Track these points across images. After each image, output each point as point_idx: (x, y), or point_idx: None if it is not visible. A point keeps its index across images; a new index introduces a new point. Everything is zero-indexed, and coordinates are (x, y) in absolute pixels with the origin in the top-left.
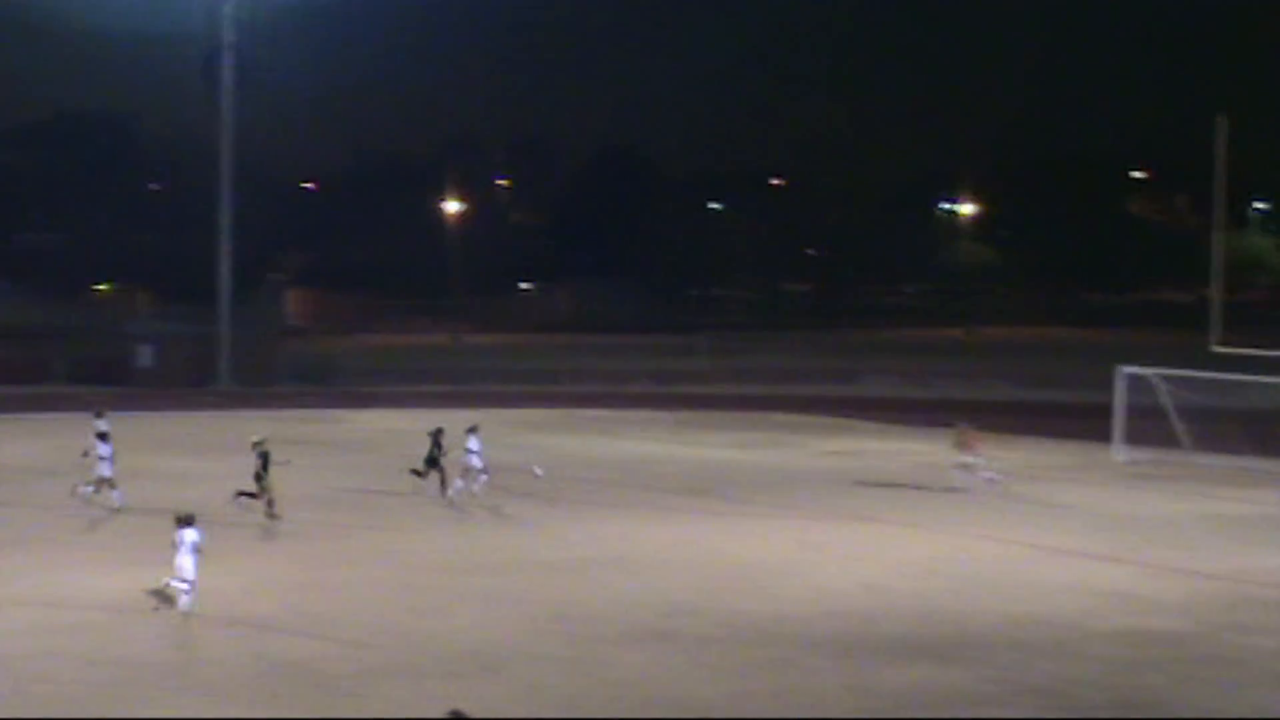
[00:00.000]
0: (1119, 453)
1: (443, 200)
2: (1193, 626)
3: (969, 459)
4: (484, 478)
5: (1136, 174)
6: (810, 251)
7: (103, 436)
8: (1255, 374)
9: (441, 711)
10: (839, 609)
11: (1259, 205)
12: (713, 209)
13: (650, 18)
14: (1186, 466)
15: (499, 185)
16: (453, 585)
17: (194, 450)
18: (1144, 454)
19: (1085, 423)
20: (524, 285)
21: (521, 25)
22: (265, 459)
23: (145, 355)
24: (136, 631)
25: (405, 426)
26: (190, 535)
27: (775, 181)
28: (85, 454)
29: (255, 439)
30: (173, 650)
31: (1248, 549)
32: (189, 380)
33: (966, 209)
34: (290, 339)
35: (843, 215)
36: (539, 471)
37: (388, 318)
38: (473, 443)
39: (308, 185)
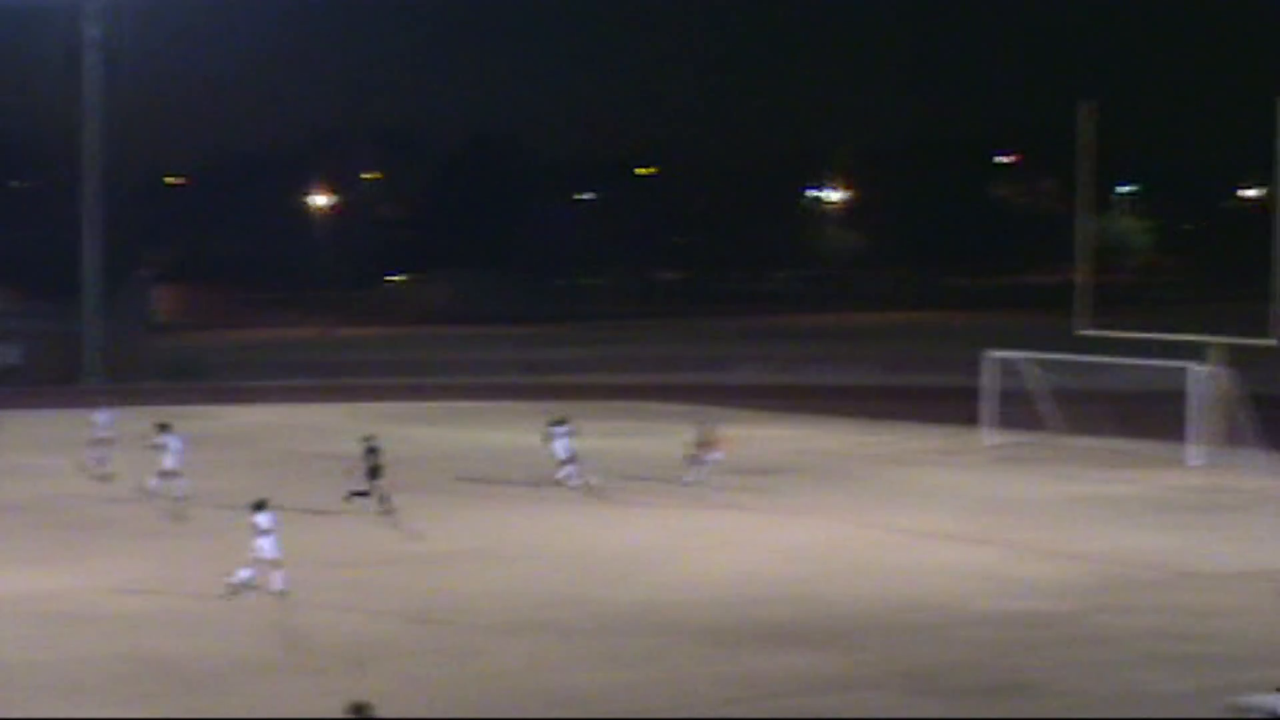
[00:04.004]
0: (987, 436)
1: (311, 193)
2: (1064, 607)
3: (706, 457)
4: (568, 469)
5: (1002, 158)
6: (679, 240)
7: (163, 427)
8: (1120, 356)
9: (320, 706)
10: (712, 597)
11: (1123, 188)
12: (582, 198)
13: (516, 6)
14: (1054, 448)
15: (366, 178)
16: (324, 580)
17: (61, 447)
18: (1012, 437)
19: (953, 406)
20: (393, 277)
21: (386, 16)
22: (376, 455)
23: (10, 353)
24: (1, 632)
25: (277, 421)
26: (264, 519)
27: (643, 170)
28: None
29: (363, 436)
30: (39, 650)
31: (1117, 529)
32: (56, 377)
33: (834, 195)
34: (159, 334)
35: (711, 202)
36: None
37: (258, 312)
38: (560, 434)
39: (174, 180)
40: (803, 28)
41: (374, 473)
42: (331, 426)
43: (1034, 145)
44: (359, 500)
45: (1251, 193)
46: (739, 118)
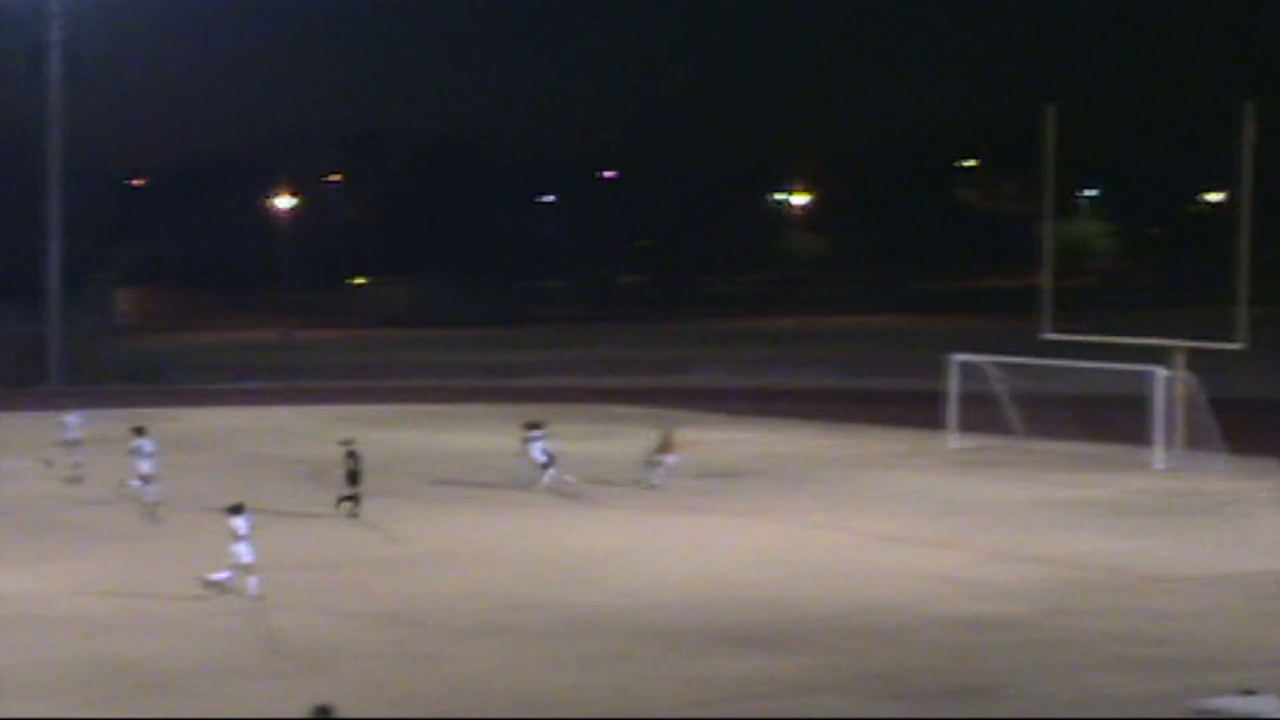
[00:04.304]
0: (951, 439)
1: (273, 195)
2: (1026, 611)
3: (666, 459)
4: (551, 472)
5: (965, 162)
6: (642, 243)
7: (139, 431)
8: (1083, 360)
9: (285, 708)
10: (674, 600)
11: (1087, 192)
12: (544, 201)
13: (480, 11)
14: (1018, 452)
15: (330, 180)
16: (289, 583)
17: (26, 449)
18: (976, 440)
19: (917, 410)
20: (356, 279)
21: (350, 18)
22: (356, 459)
23: None
24: None
25: (239, 424)
26: (240, 523)
27: (607, 174)
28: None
29: (342, 439)
30: (2, 653)
31: (1079, 533)
32: (18, 380)
33: (797, 199)
34: (120, 337)
35: (674, 205)
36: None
37: (219, 314)
38: (537, 438)
39: (137, 182)
40: (767, 32)
41: (352, 477)
42: (294, 429)
43: (996, 149)
44: (343, 503)
45: (1214, 197)
46: (702, 121)
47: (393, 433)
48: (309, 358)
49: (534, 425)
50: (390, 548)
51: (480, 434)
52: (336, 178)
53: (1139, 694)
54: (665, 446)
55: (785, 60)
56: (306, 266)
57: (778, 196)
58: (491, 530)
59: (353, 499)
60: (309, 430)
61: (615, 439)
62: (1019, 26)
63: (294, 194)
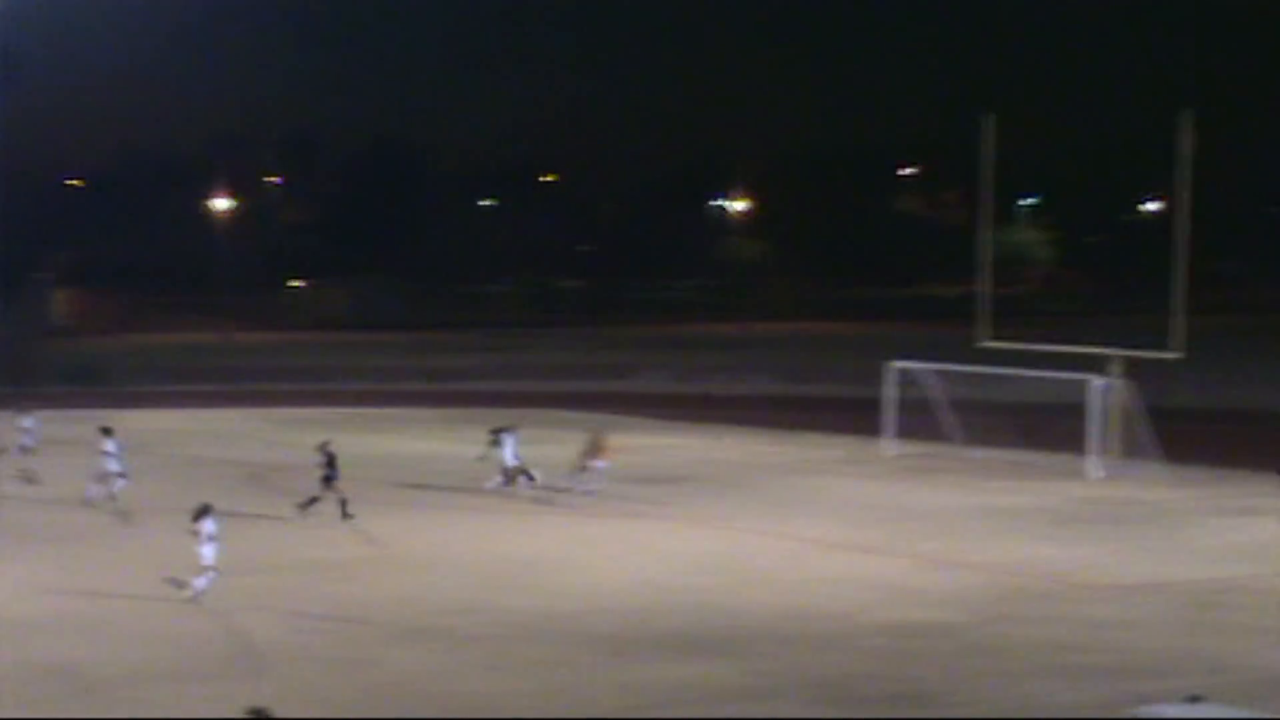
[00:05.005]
0: (889, 446)
1: (212, 197)
2: (963, 618)
3: (594, 464)
4: (521, 477)
5: (906, 170)
6: (582, 247)
7: (107, 432)
8: (1021, 367)
9: (219, 711)
10: (612, 606)
11: (1025, 201)
12: (484, 205)
13: (419, 14)
14: (955, 459)
15: (268, 182)
16: (222, 586)
17: None
18: (913, 447)
19: (856, 416)
20: (295, 283)
21: (289, 18)
22: (332, 460)
23: None
24: None
25: (176, 426)
26: (207, 525)
27: (547, 178)
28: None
29: (319, 442)
30: None
31: (1016, 540)
32: None
33: (738, 204)
34: (57, 338)
35: (614, 210)
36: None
37: (158, 316)
38: (508, 443)
39: (73, 182)
40: (707, 37)
41: (326, 481)
42: (232, 432)
43: (936, 157)
44: (331, 505)
45: (1153, 206)
46: (643, 126)
47: (336, 436)
48: (248, 360)
49: (505, 428)
50: (325, 551)
51: (423, 438)
52: (275, 179)
53: (1078, 701)
54: (594, 451)
55: (725, 66)
56: (245, 268)
57: (718, 202)
58: (435, 534)
59: (346, 500)
60: (249, 433)
61: (554, 444)
62: (959, 34)
63: (232, 195)
